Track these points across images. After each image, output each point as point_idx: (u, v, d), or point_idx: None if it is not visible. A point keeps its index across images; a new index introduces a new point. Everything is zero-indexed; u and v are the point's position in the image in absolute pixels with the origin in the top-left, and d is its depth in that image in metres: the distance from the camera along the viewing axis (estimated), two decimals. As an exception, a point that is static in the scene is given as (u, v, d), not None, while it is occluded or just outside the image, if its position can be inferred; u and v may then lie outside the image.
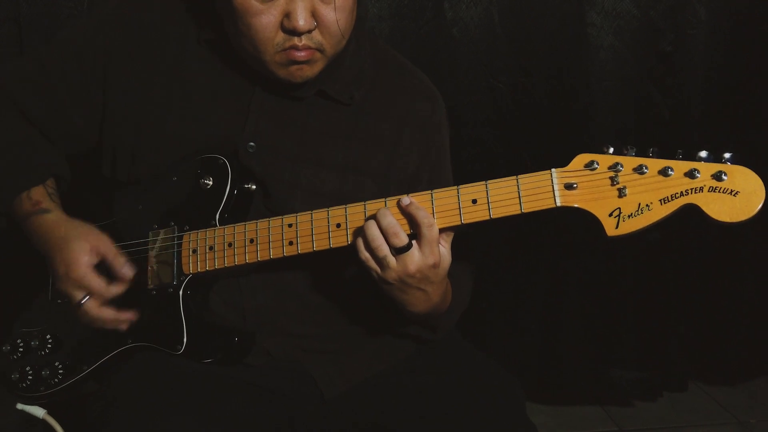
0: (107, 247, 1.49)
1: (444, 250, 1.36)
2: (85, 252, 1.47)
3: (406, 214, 1.34)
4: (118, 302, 1.50)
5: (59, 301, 1.60)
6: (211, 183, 1.49)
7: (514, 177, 1.29)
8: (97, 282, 1.46)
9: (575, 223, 2.73)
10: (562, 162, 1.28)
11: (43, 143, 1.60)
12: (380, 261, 1.34)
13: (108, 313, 1.49)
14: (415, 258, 1.33)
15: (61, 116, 1.59)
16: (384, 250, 1.33)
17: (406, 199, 1.34)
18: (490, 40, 2.57)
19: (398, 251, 1.33)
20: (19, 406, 1.59)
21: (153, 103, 1.54)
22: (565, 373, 2.89)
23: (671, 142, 2.72)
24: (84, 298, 1.46)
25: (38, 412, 1.57)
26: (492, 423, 1.45)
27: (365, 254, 1.35)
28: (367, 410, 1.52)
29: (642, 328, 2.93)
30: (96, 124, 1.59)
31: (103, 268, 1.49)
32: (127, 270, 1.49)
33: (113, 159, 1.58)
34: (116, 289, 1.49)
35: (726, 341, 3.02)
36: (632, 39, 2.62)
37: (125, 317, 1.50)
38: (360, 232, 1.35)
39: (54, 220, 1.53)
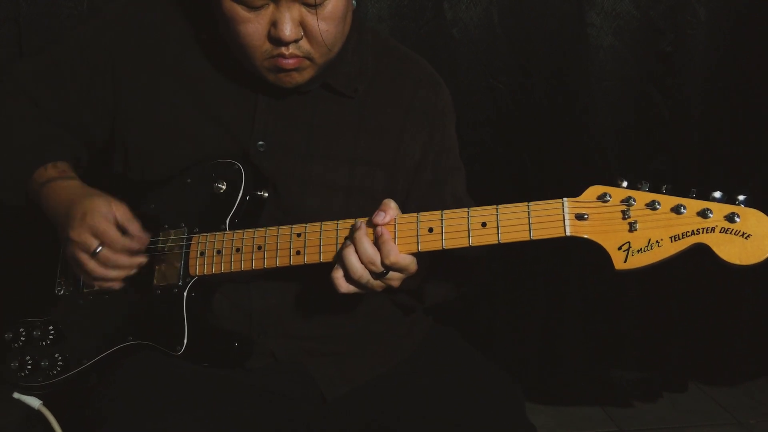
0: (125, 212, 1.48)
1: (405, 256, 1.34)
2: (106, 205, 1.45)
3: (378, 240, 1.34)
4: (121, 301, 1.50)
5: (63, 292, 1.60)
6: (224, 187, 1.49)
7: (525, 203, 1.28)
8: (112, 230, 1.44)
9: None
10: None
11: (64, 132, 1.62)
12: (363, 286, 1.35)
13: (123, 259, 1.47)
14: (394, 277, 1.35)
15: (71, 112, 1.60)
16: (365, 277, 1.34)
17: (379, 230, 1.32)
18: (490, 40, 2.57)
19: (378, 276, 1.34)
20: (16, 395, 1.59)
21: (161, 103, 1.54)
22: (565, 374, 2.90)
23: (671, 142, 2.72)
24: (98, 246, 1.44)
25: (34, 402, 1.57)
26: (492, 424, 1.45)
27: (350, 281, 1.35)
28: (368, 411, 1.52)
29: (642, 328, 2.94)
30: (104, 121, 1.59)
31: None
32: (143, 234, 1.47)
33: (125, 157, 1.59)
34: (129, 243, 1.46)
35: (726, 341, 3.03)
36: (632, 39, 2.62)
37: (139, 261, 1.48)
38: (341, 259, 1.34)
39: (77, 183, 1.53)
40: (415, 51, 2.01)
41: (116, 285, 1.50)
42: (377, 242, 1.32)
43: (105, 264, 1.46)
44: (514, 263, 2.79)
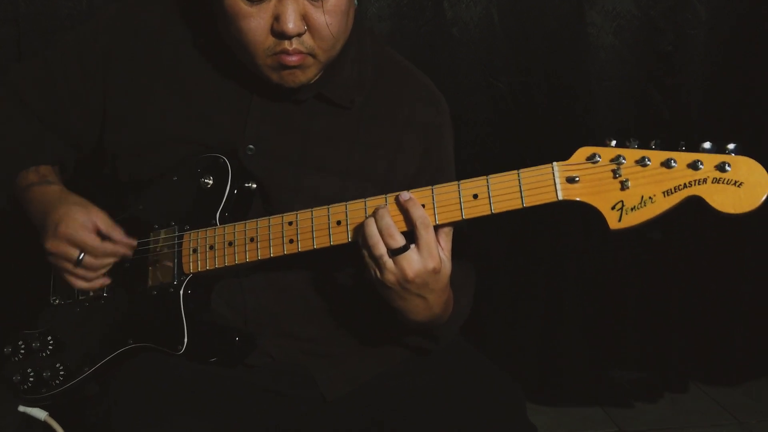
0: (106, 220, 1.48)
1: (444, 255, 1.34)
2: (84, 213, 1.45)
3: (404, 210, 1.32)
4: (119, 305, 1.50)
5: (60, 302, 1.60)
6: (211, 182, 1.49)
7: (516, 171, 1.28)
8: (91, 237, 1.45)
9: (575, 222, 2.75)
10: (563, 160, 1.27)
11: (51, 134, 1.61)
12: (377, 261, 1.32)
13: (108, 247, 1.46)
14: (413, 262, 1.31)
15: (62, 115, 1.59)
16: (380, 249, 1.31)
17: (405, 194, 1.32)
18: (490, 40, 2.57)
19: (394, 252, 1.31)
20: (21, 408, 1.58)
21: (153, 105, 1.54)
22: (565, 374, 2.89)
23: (671, 142, 2.72)
24: (80, 255, 1.45)
25: (40, 414, 1.56)
26: (492, 424, 1.44)
27: (364, 252, 1.34)
28: (368, 411, 1.52)
29: (642, 328, 2.93)
30: (95, 125, 1.59)
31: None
32: (128, 239, 1.48)
33: (114, 159, 1.58)
34: (113, 247, 1.47)
35: (726, 341, 3.02)
36: (632, 39, 2.63)
37: (128, 242, 1.48)
38: (360, 229, 1.34)
39: (57, 189, 1.53)
40: (415, 51, 2.01)
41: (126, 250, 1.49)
42: (405, 205, 1.31)
43: (91, 269, 1.46)
44: (514, 263, 2.79)
